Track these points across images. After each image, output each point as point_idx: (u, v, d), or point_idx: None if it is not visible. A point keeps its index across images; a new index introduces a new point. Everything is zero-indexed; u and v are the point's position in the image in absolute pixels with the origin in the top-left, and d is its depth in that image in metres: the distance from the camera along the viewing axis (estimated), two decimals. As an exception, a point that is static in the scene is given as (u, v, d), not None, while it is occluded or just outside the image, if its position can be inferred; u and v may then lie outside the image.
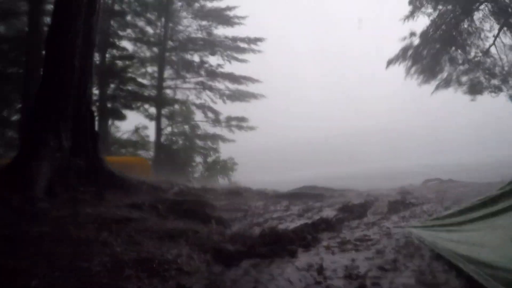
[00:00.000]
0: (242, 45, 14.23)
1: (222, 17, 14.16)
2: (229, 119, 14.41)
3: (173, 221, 3.46)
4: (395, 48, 9.14)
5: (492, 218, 1.89)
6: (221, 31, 14.32)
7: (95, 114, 6.48)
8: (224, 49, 14.26)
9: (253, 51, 14.30)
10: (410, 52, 8.70)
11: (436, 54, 8.26)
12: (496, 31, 7.84)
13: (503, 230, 1.66)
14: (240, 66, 14.66)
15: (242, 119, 14.34)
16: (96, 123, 7.72)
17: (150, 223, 3.28)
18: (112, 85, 13.17)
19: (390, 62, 8.97)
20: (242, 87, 14.76)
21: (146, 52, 14.19)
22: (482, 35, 7.99)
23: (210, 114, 14.62)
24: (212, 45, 14.21)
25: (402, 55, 8.81)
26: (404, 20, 8.60)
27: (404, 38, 8.68)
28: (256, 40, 14.22)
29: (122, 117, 12.98)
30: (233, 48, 14.27)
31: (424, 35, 8.32)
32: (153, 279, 1.95)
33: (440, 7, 8.04)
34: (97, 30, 5.87)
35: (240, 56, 14.46)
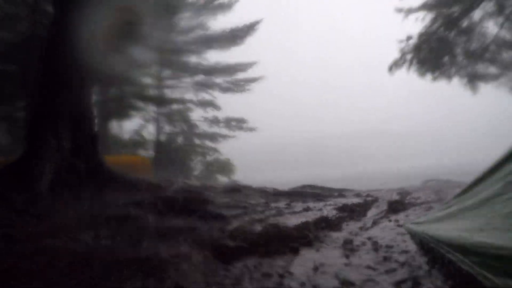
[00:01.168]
0: (240, 34, 13.95)
1: (216, 7, 13.90)
2: (228, 119, 14.38)
3: (171, 219, 3.45)
4: (395, 52, 9.34)
5: (483, 206, 1.90)
6: (218, 25, 14.06)
7: (95, 114, 6.50)
8: (220, 41, 14.03)
9: (250, 33, 13.93)
10: (410, 49, 8.80)
11: (436, 49, 8.37)
12: (496, 28, 7.95)
13: (487, 218, 1.68)
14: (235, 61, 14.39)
15: (241, 120, 14.33)
16: (97, 123, 7.74)
17: (149, 221, 3.28)
18: (114, 87, 13.21)
19: (391, 66, 9.06)
20: (239, 77, 14.50)
21: (146, 54, 14.17)
22: (482, 31, 8.11)
23: (210, 110, 14.50)
24: (209, 41, 14.05)
25: (403, 54, 8.91)
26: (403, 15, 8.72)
27: (402, 41, 8.86)
28: (252, 25, 13.84)
29: (126, 116, 13.10)
30: (230, 38, 14.03)
31: (424, 34, 8.44)
32: (150, 278, 1.94)
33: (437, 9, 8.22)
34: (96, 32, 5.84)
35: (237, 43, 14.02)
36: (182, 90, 14.69)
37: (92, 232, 2.78)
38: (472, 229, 1.67)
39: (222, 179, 13.82)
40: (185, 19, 14.23)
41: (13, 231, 2.61)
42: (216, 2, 13.93)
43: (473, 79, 8.49)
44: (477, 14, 7.94)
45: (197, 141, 14.73)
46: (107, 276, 1.94)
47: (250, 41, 13.99)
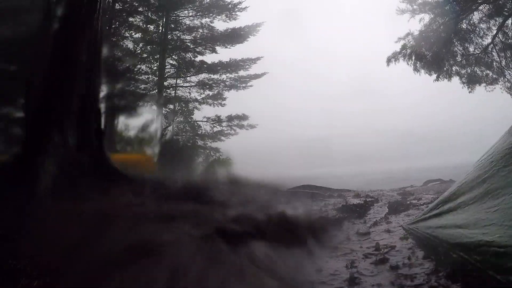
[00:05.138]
0: (242, 33, 14.07)
1: (222, 8, 14.03)
2: (230, 118, 14.41)
3: (173, 205, 3.43)
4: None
5: (478, 202, 1.92)
6: (221, 25, 14.17)
7: (102, 111, 6.48)
8: (223, 40, 14.12)
9: (252, 34, 14.08)
10: (411, 49, 8.83)
11: (437, 50, 8.41)
12: (495, 30, 8.01)
13: (486, 213, 1.69)
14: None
15: (243, 117, 14.30)
16: (103, 120, 7.75)
17: (152, 213, 3.25)
18: (119, 83, 13.31)
19: (389, 60, 9.09)
20: (242, 73, 14.58)
21: (147, 51, 14.29)
22: (481, 34, 8.16)
23: (215, 105, 14.52)
24: (213, 41, 14.13)
25: (401, 52, 8.94)
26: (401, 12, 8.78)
27: (400, 39, 8.90)
28: (255, 27, 14.04)
29: (135, 114, 13.24)
30: (233, 37, 14.10)
31: (423, 33, 8.48)
32: (149, 259, 1.96)
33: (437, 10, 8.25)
34: (103, 27, 5.86)
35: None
36: (186, 89, 14.81)
37: (95, 230, 2.79)
38: (472, 225, 1.68)
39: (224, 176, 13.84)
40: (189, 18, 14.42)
41: (14, 230, 2.59)
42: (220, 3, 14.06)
43: (470, 80, 8.52)
44: (475, 16, 7.98)
45: (199, 142, 14.78)
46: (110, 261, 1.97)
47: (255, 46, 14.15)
